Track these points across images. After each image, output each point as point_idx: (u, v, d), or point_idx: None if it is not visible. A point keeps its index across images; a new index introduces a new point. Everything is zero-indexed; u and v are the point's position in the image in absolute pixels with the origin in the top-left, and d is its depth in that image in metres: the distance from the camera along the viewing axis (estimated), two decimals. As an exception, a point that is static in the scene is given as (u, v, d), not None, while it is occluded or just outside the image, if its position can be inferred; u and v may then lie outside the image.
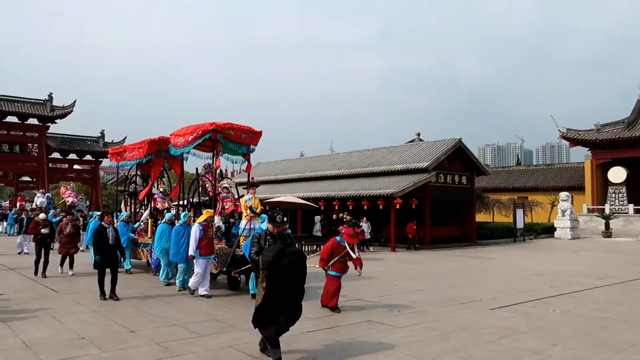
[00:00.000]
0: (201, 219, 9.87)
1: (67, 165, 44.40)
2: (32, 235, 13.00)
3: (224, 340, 6.61)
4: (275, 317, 5.34)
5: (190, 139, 11.03)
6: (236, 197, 11.68)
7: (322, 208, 23.84)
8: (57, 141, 42.29)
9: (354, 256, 8.64)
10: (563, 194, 31.83)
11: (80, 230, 14.88)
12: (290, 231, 11.60)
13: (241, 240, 10.17)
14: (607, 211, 33.18)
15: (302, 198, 23.34)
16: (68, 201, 25.88)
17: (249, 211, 10.37)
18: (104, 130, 44.91)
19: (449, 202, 25.51)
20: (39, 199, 27.41)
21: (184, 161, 13.00)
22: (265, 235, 6.04)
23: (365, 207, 22.52)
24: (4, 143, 38.42)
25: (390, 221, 22.21)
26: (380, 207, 22.07)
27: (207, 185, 12.31)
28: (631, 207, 33.16)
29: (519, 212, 29.24)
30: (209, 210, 10.25)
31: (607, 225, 31.38)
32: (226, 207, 11.13)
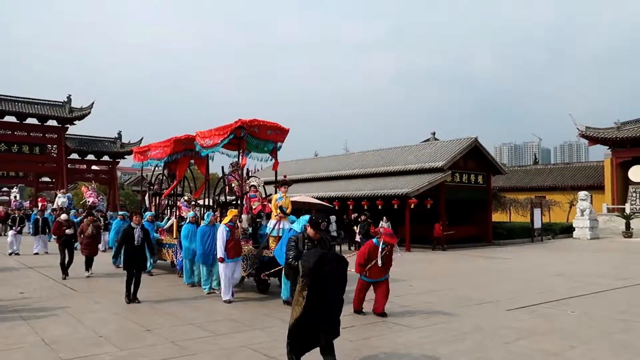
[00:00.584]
0: (226, 219, 9.44)
1: (85, 165, 45.08)
2: (56, 237, 12.72)
3: (239, 339, 6.64)
4: (313, 330, 4.82)
5: (218, 141, 10.74)
6: (264, 196, 11.30)
7: (336, 208, 23.82)
8: (75, 142, 42.97)
9: (377, 262, 8.02)
10: (582, 194, 31.29)
11: (101, 231, 14.77)
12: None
13: (270, 241, 9.79)
14: (627, 211, 32.52)
15: (317, 198, 23.35)
16: (89, 201, 25.56)
17: (278, 211, 9.87)
18: (121, 131, 45.52)
19: (464, 201, 25.29)
20: (60, 199, 27.24)
21: (210, 160, 12.67)
22: (303, 238, 5.56)
23: (380, 207, 22.43)
24: (24, 144, 39.16)
25: (406, 221, 22.09)
26: (395, 206, 21.97)
27: (233, 185, 11.88)
28: (652, 206, 32.47)
29: (537, 211, 28.82)
30: (233, 210, 9.81)
31: (627, 225, 30.77)
32: (254, 206, 10.71)
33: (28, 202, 41.77)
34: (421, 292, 10.50)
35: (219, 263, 9.21)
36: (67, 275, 11.89)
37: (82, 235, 12.41)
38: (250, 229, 10.79)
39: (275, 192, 10.54)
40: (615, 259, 18.68)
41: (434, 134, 39.85)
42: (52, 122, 40.31)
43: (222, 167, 12.26)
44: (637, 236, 30.10)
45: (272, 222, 9.99)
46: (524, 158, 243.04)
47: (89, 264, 12.48)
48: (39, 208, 29.26)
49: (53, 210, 25.90)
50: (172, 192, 14.44)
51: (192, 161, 14.23)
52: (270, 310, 8.51)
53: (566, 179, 40.86)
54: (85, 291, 10.32)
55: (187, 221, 11.26)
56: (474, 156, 25.23)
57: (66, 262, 12.11)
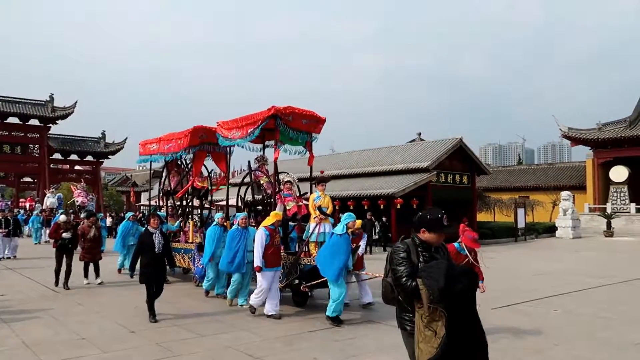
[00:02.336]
0: (267, 222, 8.14)
1: (68, 166, 44.46)
2: (53, 241, 11.27)
3: (224, 340, 6.60)
4: None
5: (248, 131, 9.28)
6: (298, 194, 9.93)
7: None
8: (58, 142, 42.36)
9: (480, 265, 6.95)
10: (564, 193, 31.75)
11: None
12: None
13: (311, 248, 8.69)
14: (608, 210, 33.09)
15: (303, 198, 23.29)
16: (77, 201, 23.65)
17: (317, 212, 8.75)
18: (105, 131, 45.01)
19: (450, 201, 25.44)
20: (49, 200, 25.75)
21: (229, 155, 11.26)
22: (415, 246, 3.78)
23: (366, 207, 22.50)
24: (5, 144, 38.50)
25: (392, 221, 22.19)
26: (381, 206, 22.06)
27: (261, 181, 10.55)
28: (633, 206, 33.07)
29: (520, 211, 29.17)
30: (277, 212, 8.47)
31: (608, 225, 31.28)
32: (288, 207, 9.35)
33: (9, 202, 41.01)
34: (407, 292, 10.55)
35: (257, 273, 8.02)
36: (63, 285, 10.52)
37: (82, 239, 11.06)
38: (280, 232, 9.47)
39: (311, 191, 9.64)
40: (596, 257, 18.99)
41: (419, 134, 40.17)
42: (34, 122, 39.71)
43: (249, 162, 10.89)
44: (617, 235, 30.64)
45: (311, 225, 8.86)
46: (508, 158, 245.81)
47: (95, 271, 11.19)
48: (27, 209, 28.40)
49: (42, 211, 24.92)
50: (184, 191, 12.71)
51: (209, 155, 12.38)
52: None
53: (549, 179, 41.42)
54: (67, 293, 10.17)
55: (214, 223, 9.96)
56: (459, 156, 25.47)
57: (64, 270, 10.63)
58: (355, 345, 6.43)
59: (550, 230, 31.77)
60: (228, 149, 10.91)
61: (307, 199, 9.53)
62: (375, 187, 23.43)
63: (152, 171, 16.31)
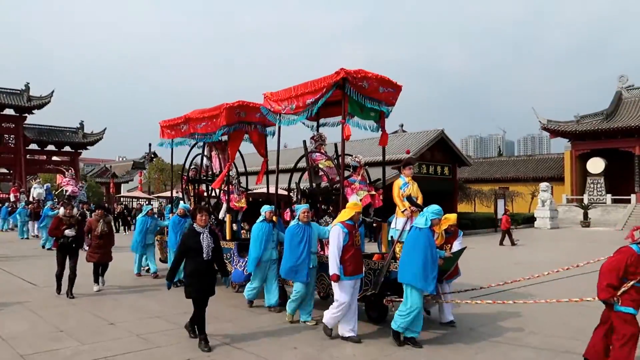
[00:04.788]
0: (344, 216, 6.36)
1: (45, 156, 43.59)
2: (54, 239, 9.45)
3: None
4: None
5: (307, 102, 7.34)
6: (368, 182, 8.14)
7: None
8: (34, 132, 41.48)
9: None
10: (543, 185, 32.31)
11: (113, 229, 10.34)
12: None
13: (397, 250, 6.70)
14: (585, 201, 33.81)
15: (285, 189, 23.26)
16: (67, 190, 21.60)
17: (406, 203, 6.90)
18: (83, 121, 44.21)
19: (431, 193, 25.53)
20: (36, 190, 24.12)
21: (270, 136, 9.85)
22: None
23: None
24: (-20, 134, 37.56)
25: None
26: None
27: (319, 166, 8.36)
28: (609, 197, 33.87)
29: (500, 202, 29.62)
30: (356, 202, 6.73)
31: (585, 215, 31.97)
32: (359, 197, 7.65)
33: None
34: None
35: (334, 283, 6.25)
36: (66, 294, 8.74)
37: (89, 236, 9.36)
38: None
39: (384, 178, 8.20)
40: (573, 247, 19.39)
41: (401, 125, 40.39)
42: (9, 111, 38.78)
43: (304, 142, 8.69)
44: (594, 225, 31.34)
45: (399, 220, 7.00)
46: (489, 150, 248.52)
47: (101, 273, 9.53)
48: (12, 200, 27.13)
49: (28, 203, 23.80)
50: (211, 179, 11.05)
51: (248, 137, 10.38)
52: (239, 302, 8.44)
53: (528, 171, 42.11)
54: (45, 285, 9.95)
55: (261, 218, 7.91)
56: (441, 148, 25.71)
57: (68, 275, 8.79)
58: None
59: (529, 220, 32.32)
60: (275, 128, 9.14)
61: (377, 188, 8.23)
62: (357, 178, 23.49)
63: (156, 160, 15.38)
